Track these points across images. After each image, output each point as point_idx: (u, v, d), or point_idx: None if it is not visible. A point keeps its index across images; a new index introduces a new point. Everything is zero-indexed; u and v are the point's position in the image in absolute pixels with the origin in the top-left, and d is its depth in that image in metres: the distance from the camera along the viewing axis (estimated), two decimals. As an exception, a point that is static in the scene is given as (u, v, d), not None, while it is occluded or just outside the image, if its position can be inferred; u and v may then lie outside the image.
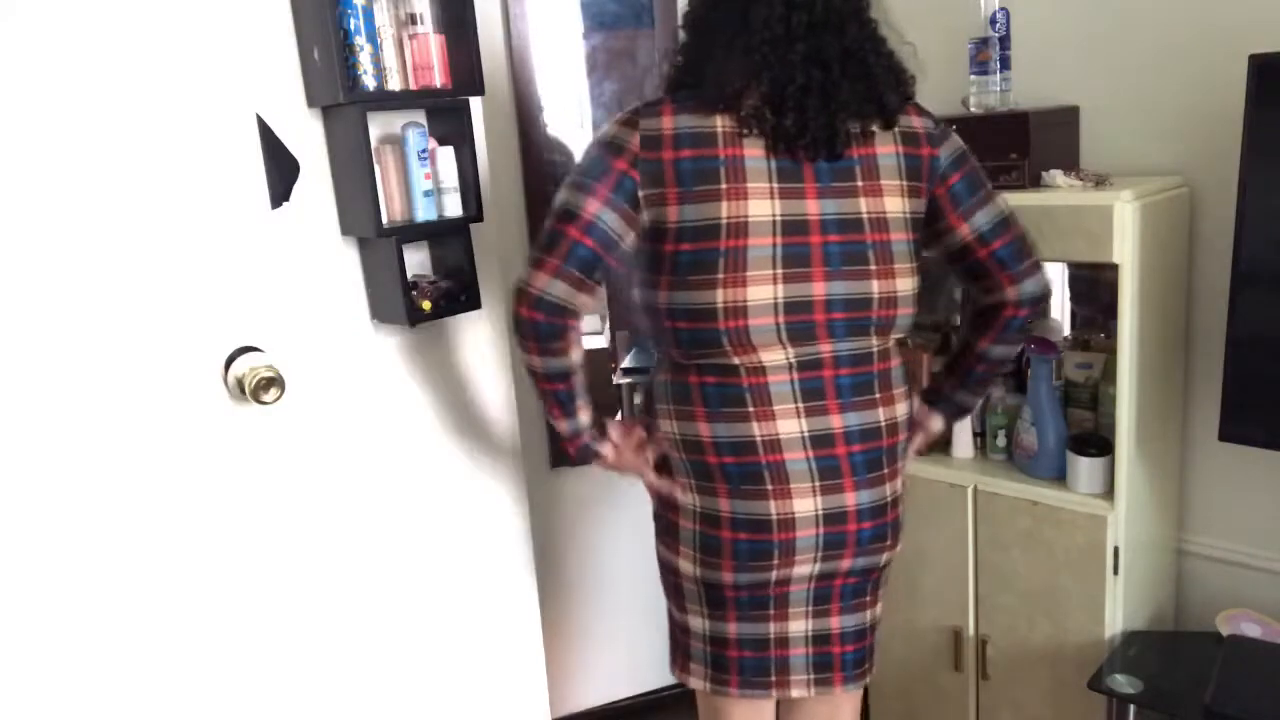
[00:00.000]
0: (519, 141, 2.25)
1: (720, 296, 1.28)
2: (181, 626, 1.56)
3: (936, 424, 1.60)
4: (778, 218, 1.27)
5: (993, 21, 1.85)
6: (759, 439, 1.34)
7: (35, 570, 1.42)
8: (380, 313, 1.73)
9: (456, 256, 1.78)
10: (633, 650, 2.61)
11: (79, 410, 1.43)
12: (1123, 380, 1.66)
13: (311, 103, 1.62)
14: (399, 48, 1.65)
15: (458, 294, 1.76)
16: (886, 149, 1.32)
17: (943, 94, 2.04)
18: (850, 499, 1.36)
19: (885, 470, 1.39)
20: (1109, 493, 1.72)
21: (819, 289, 1.29)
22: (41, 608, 1.43)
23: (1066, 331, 2.05)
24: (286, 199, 1.61)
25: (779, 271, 1.28)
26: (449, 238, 1.77)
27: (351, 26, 1.56)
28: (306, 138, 1.62)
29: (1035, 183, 1.76)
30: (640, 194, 1.29)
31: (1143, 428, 1.71)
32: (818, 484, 1.35)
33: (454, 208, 1.73)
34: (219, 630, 1.60)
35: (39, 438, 1.41)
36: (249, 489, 1.61)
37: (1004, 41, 1.86)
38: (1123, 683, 1.64)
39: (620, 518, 2.51)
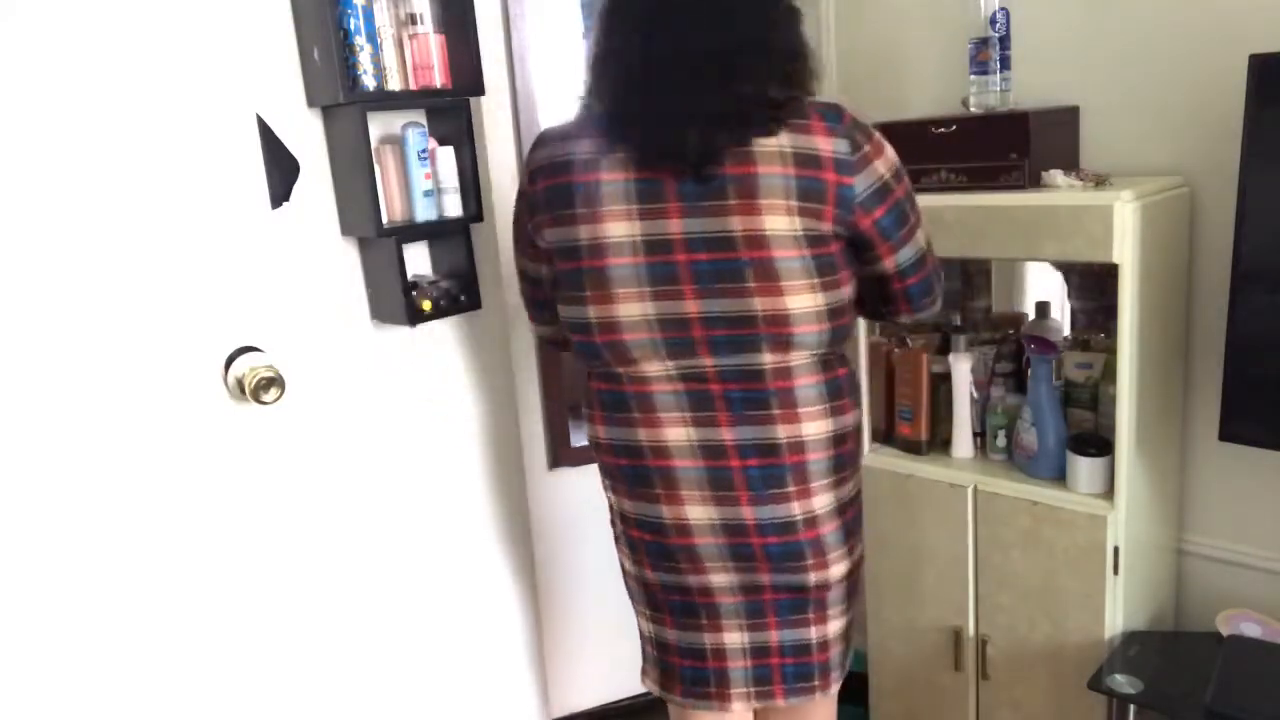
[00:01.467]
0: (519, 141, 2.25)
1: (591, 312, 1.31)
2: (182, 625, 1.56)
3: None
4: (638, 238, 1.28)
5: (993, 21, 1.85)
6: (644, 444, 1.36)
7: (36, 569, 1.42)
8: (380, 313, 1.73)
9: (456, 256, 1.78)
10: (632, 650, 2.60)
11: (80, 410, 1.43)
12: (1123, 380, 1.66)
13: (311, 103, 1.62)
14: (399, 48, 1.65)
15: (458, 294, 1.76)
16: (770, 169, 1.23)
17: (943, 94, 2.04)
18: (748, 513, 1.35)
19: (791, 488, 1.34)
20: (1109, 493, 1.72)
21: (692, 306, 1.28)
22: (42, 606, 1.43)
23: (1066, 331, 2.05)
24: (286, 199, 1.61)
25: (646, 289, 1.28)
26: (449, 238, 1.78)
27: (351, 26, 1.56)
28: (306, 138, 1.62)
29: (1035, 183, 1.76)
30: (530, 226, 1.38)
31: (1143, 428, 1.71)
32: (710, 493, 1.35)
33: (454, 208, 1.73)
34: (219, 629, 1.60)
35: (40, 437, 1.41)
36: (249, 489, 1.61)
37: (1004, 41, 1.86)
38: (1123, 683, 1.64)
39: (620, 518, 2.51)
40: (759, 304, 1.26)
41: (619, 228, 1.28)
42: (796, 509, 1.35)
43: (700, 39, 1.21)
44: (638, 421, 1.36)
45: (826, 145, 1.23)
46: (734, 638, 1.44)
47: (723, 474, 1.34)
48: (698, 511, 1.36)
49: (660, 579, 1.44)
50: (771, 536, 1.36)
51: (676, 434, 1.34)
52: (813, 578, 1.39)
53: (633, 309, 1.29)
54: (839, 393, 1.36)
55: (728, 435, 1.33)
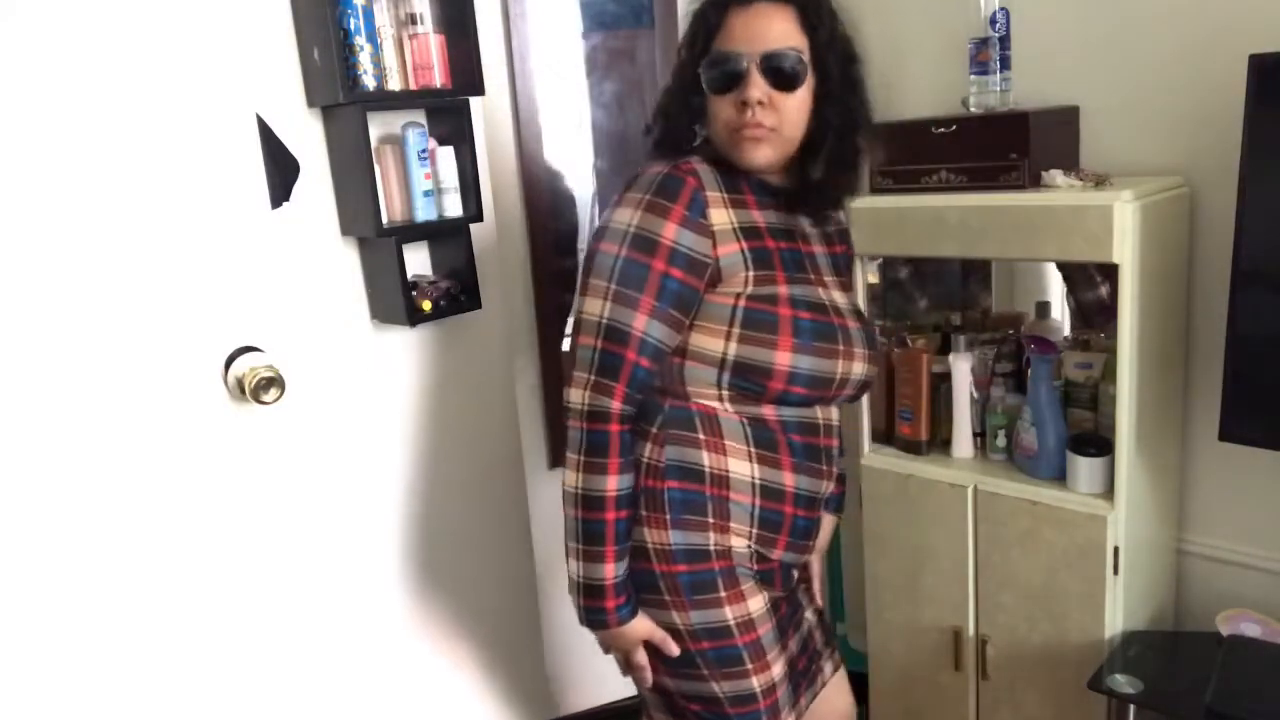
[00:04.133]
0: (519, 141, 2.25)
1: None
2: (182, 625, 1.56)
3: None
4: None
5: (993, 21, 1.85)
6: None
7: (36, 569, 1.42)
8: (380, 313, 1.73)
9: (456, 256, 1.78)
10: (633, 650, 2.61)
11: (80, 410, 1.43)
12: (1123, 380, 1.66)
13: (311, 103, 1.62)
14: (399, 48, 1.65)
15: (458, 294, 1.77)
16: None
17: (943, 94, 2.04)
18: None
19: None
20: (1109, 493, 1.72)
21: None
22: (42, 606, 1.43)
23: (1066, 331, 2.05)
24: (286, 199, 1.61)
25: None
26: (449, 238, 1.78)
27: (351, 26, 1.56)
28: (306, 138, 1.62)
29: (1035, 183, 1.76)
30: None
31: (1143, 428, 1.71)
32: None
33: (454, 208, 1.73)
34: (220, 628, 1.60)
35: (40, 437, 1.41)
36: (249, 489, 1.62)
37: (1004, 41, 1.86)
38: (1123, 683, 1.63)
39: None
40: None
41: None
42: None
43: None
44: None
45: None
46: None
47: None
48: None
49: None
50: None
51: None
52: None
53: None
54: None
55: None
